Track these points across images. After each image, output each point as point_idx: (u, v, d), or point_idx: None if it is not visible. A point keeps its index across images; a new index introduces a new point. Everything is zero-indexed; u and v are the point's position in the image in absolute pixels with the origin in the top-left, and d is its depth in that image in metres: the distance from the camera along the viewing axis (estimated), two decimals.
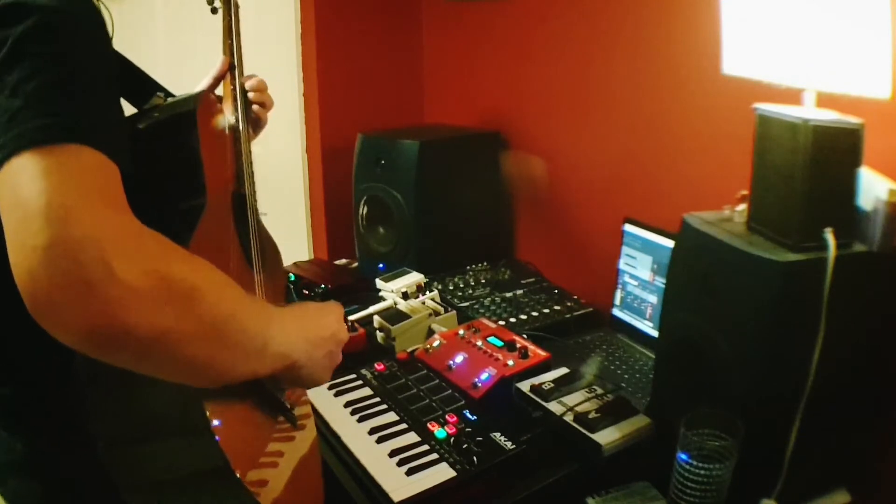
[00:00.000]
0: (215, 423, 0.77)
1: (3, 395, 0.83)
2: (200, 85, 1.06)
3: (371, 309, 1.61)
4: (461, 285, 1.81)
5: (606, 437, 1.12)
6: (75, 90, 0.60)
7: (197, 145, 0.89)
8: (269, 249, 1.07)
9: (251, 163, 1.01)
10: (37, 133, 0.56)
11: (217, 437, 0.76)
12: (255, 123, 1.15)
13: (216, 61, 1.05)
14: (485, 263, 1.93)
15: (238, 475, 0.77)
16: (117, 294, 0.54)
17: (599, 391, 1.25)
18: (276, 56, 2.27)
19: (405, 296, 1.64)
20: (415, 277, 1.71)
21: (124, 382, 0.71)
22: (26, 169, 0.55)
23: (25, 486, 0.86)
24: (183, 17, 2.45)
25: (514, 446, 1.13)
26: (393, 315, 1.53)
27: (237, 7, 1.04)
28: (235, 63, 1.03)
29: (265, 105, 1.14)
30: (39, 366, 0.82)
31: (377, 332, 1.53)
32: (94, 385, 0.73)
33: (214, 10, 1.05)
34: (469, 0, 2.09)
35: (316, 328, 0.83)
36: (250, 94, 1.10)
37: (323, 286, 1.80)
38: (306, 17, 2.17)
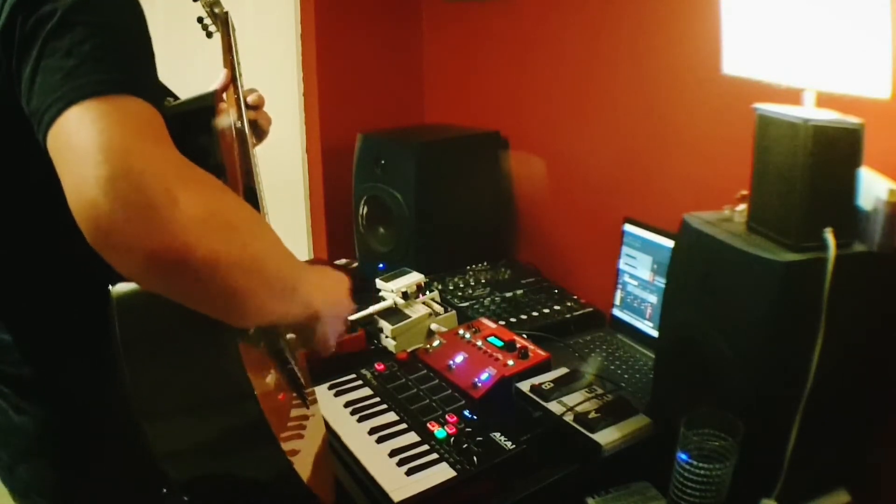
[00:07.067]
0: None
1: (21, 375, 0.83)
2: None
3: (371, 309, 1.61)
4: (461, 285, 1.81)
5: (606, 437, 1.12)
6: (124, 53, 0.66)
7: (217, 139, 0.93)
8: None
9: (256, 164, 1.06)
10: (92, 86, 0.61)
11: (258, 401, 0.76)
12: (258, 135, 1.19)
13: (214, 72, 1.06)
14: (485, 263, 1.93)
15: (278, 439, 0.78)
16: (179, 218, 0.58)
17: (599, 391, 1.25)
18: (276, 55, 2.27)
19: (405, 296, 1.64)
20: (415, 277, 1.70)
21: (164, 344, 0.74)
22: (85, 115, 0.59)
23: (37, 473, 0.86)
24: (182, 21, 2.45)
25: (514, 446, 1.13)
26: (393, 315, 1.53)
27: (234, 29, 1.07)
28: (236, 76, 1.07)
29: (262, 125, 1.18)
30: (63, 343, 0.83)
31: (377, 332, 1.53)
32: (129, 352, 0.73)
33: (209, 35, 1.08)
34: (469, 0, 2.09)
35: (333, 287, 0.87)
36: (250, 113, 1.14)
37: None
38: (306, 17, 2.16)
